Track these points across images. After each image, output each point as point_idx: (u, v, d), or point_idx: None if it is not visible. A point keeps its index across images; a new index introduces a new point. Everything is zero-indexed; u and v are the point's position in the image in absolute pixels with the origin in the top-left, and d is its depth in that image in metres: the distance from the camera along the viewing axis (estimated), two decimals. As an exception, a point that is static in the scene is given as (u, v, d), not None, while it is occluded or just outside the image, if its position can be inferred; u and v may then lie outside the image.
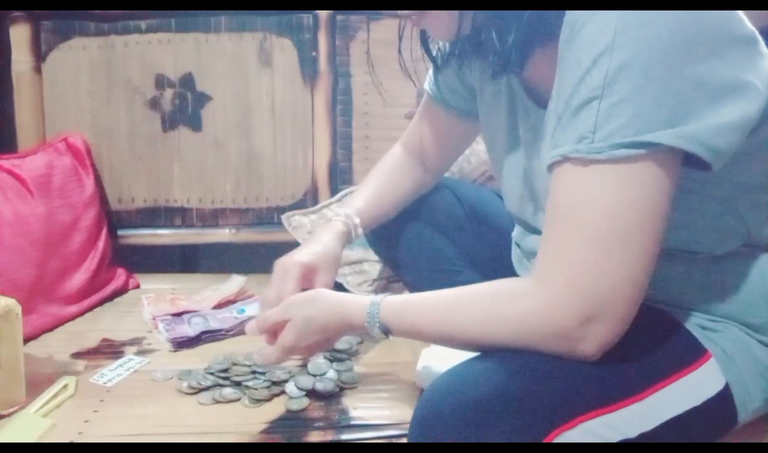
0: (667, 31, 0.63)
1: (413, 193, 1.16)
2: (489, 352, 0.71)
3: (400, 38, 0.89)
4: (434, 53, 0.93)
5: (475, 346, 0.73)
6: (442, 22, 0.78)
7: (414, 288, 1.17)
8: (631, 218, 0.65)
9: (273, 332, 0.94)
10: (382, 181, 1.15)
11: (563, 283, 0.66)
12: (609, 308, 0.65)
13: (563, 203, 0.68)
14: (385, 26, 1.03)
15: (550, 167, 0.70)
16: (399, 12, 0.81)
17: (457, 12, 0.76)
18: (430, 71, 1.07)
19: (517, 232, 1.00)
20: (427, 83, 1.09)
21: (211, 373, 1.06)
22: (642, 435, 0.69)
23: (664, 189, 0.65)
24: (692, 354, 0.74)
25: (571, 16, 0.68)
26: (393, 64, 0.91)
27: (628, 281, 0.65)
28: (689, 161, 0.67)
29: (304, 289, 0.99)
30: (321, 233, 1.08)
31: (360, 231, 1.10)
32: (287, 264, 1.02)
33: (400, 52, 0.90)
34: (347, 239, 1.09)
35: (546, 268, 0.68)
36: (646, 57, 0.63)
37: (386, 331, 0.82)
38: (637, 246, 0.65)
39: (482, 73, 0.94)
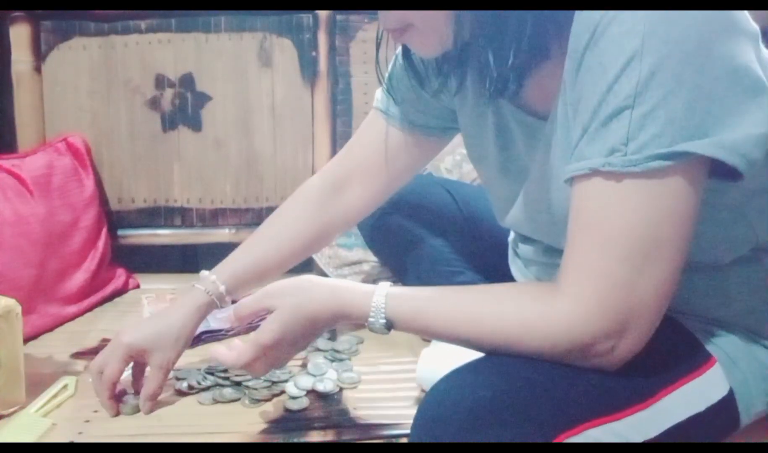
0: (695, 29, 0.61)
1: (317, 239, 1.06)
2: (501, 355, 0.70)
3: (378, 47, 0.85)
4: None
5: (491, 351, 0.71)
6: (427, 37, 0.73)
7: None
8: (664, 231, 0.63)
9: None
10: (271, 237, 1.05)
11: (595, 298, 0.65)
12: (636, 322, 0.65)
13: (594, 217, 0.65)
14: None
15: (571, 180, 0.67)
16: (386, 22, 0.75)
17: (450, 25, 0.71)
18: (380, 90, 0.99)
19: (513, 237, 0.99)
20: (381, 103, 1.00)
21: (211, 373, 1.06)
22: (645, 441, 0.69)
23: (694, 198, 0.64)
24: (697, 359, 0.74)
25: (589, 17, 0.64)
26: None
27: (657, 295, 0.65)
28: (714, 171, 0.65)
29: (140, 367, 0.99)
30: (176, 304, 1.01)
31: (230, 298, 1.01)
32: (116, 341, 0.96)
33: (377, 62, 0.86)
34: (209, 308, 1.01)
35: (576, 281, 0.66)
36: (676, 59, 0.61)
37: (389, 326, 0.77)
38: (668, 259, 0.64)
39: (462, 94, 0.88)
